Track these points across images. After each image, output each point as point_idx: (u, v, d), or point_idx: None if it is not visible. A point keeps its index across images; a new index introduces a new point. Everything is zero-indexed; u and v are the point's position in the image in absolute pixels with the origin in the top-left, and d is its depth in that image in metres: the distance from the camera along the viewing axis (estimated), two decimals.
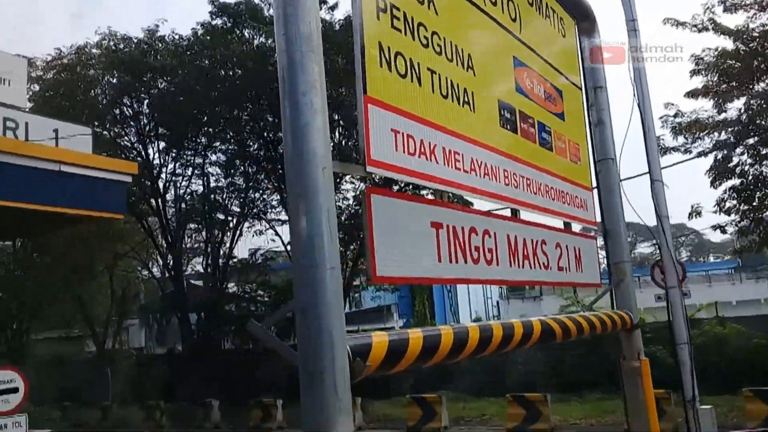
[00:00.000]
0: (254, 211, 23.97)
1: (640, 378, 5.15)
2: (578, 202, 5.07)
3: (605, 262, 6.01)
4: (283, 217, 22.92)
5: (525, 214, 4.18)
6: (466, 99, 3.62)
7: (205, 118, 22.97)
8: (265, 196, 23.98)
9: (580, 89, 5.56)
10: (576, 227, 5.06)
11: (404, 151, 3.02)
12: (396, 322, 31.30)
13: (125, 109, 22.30)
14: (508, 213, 4.04)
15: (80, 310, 27.97)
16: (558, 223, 4.72)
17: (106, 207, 14.28)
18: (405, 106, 3.07)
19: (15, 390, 9.21)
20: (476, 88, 3.74)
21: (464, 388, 20.21)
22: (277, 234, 23.02)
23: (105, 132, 21.50)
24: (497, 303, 48.96)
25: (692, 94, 17.26)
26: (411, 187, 20.76)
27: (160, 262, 25.65)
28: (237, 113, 21.67)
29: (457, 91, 3.54)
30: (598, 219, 5.41)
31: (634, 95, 6.06)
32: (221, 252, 23.95)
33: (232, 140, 23.51)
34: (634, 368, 5.19)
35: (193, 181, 24.02)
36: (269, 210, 23.30)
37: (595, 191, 5.58)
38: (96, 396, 23.05)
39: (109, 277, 26.28)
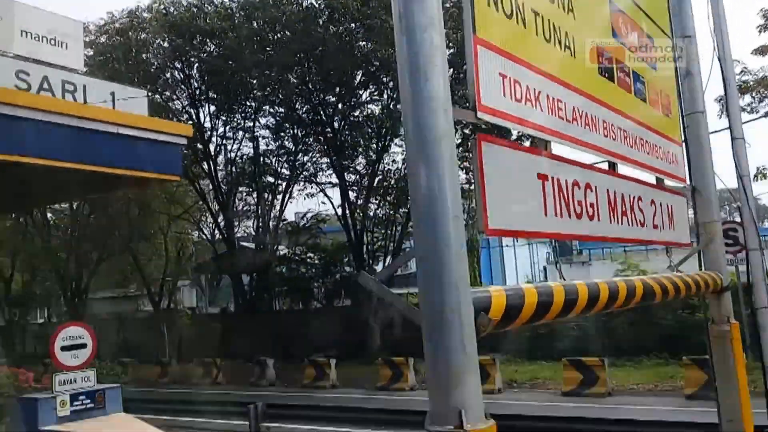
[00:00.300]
0: (303, 174, 24.00)
1: (729, 343, 4.92)
2: (670, 157, 4.80)
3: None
4: (334, 179, 22.93)
5: (620, 168, 3.96)
6: (567, 43, 3.39)
7: (255, 81, 22.98)
8: (314, 159, 23.98)
9: (670, 38, 5.23)
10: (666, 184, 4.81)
11: (511, 97, 2.83)
12: None
13: (176, 72, 22.44)
14: (605, 166, 3.83)
15: (136, 270, 28.76)
16: (650, 178, 4.48)
17: (163, 169, 14.44)
18: (511, 48, 2.87)
19: (84, 346, 9.48)
20: (576, 32, 3.50)
21: (515, 352, 20.13)
22: (327, 197, 23.02)
23: (156, 96, 21.69)
24: (544, 268, 48.41)
25: (760, 51, 16.42)
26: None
27: (212, 225, 26.07)
28: (285, 76, 21.55)
29: (558, 34, 3.31)
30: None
31: (714, 48, 5.68)
32: (272, 214, 24.14)
33: (280, 103, 23.48)
34: (723, 332, 4.96)
35: (243, 144, 24.14)
36: (320, 172, 23.26)
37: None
38: (153, 353, 23.78)
39: (163, 238, 26.84)
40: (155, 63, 21.47)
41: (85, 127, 12.35)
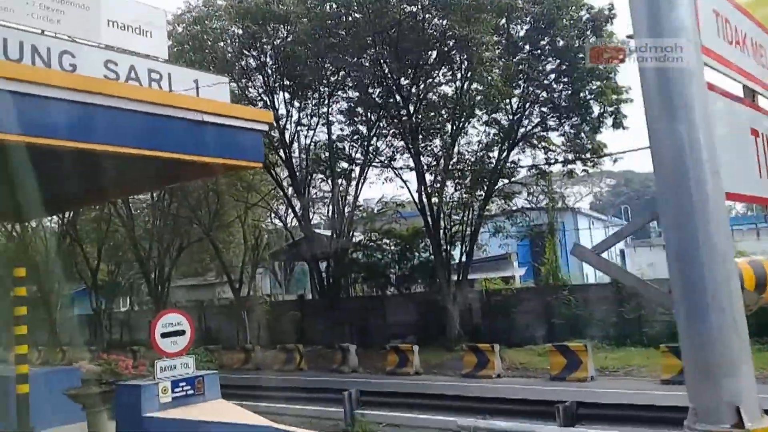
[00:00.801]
0: (378, 158, 23.76)
1: None
2: None
3: None
4: (409, 163, 22.58)
5: None
6: None
7: (328, 66, 22.84)
8: (389, 143, 23.69)
9: None
10: None
11: (724, 38, 2.39)
12: (516, 271, 30.42)
13: (250, 60, 22.54)
14: None
15: (216, 258, 29.33)
16: None
17: (245, 156, 14.35)
18: None
19: (182, 332, 9.50)
20: None
21: (600, 338, 19.41)
22: (404, 181, 22.66)
23: (233, 83, 21.82)
24: (621, 252, 46.72)
25: None
26: None
27: (288, 212, 26.22)
28: (358, 59, 21.27)
29: None
30: None
31: None
32: (347, 200, 24.04)
33: (354, 87, 23.28)
34: None
35: (317, 130, 24.09)
36: (396, 156, 22.93)
37: None
38: (235, 340, 24.18)
39: (241, 226, 27.20)
40: (231, 51, 21.59)
41: (172, 115, 12.51)
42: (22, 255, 33.66)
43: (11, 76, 10.16)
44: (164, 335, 9.37)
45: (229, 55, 21.52)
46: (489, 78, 17.94)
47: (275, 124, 22.42)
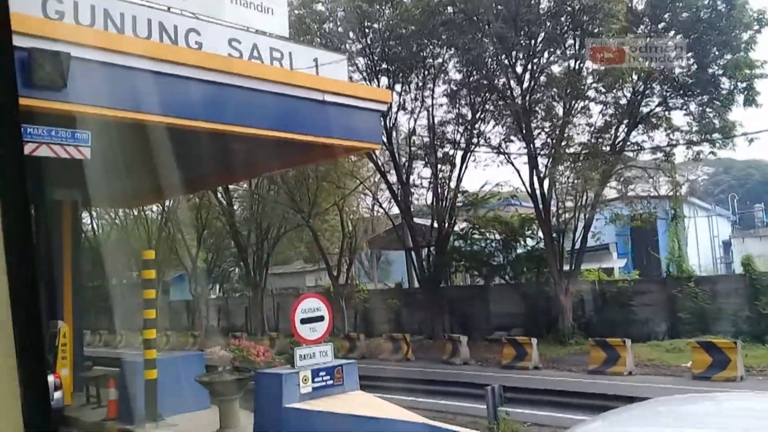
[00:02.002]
0: (483, 143, 22.83)
1: None
2: None
3: None
4: (514, 148, 21.50)
5: None
6: None
7: (431, 47, 22.09)
8: (494, 127, 22.71)
9: None
10: None
11: None
12: (615, 262, 28.81)
13: (353, 44, 22.06)
14: None
15: (311, 245, 29.24)
16: None
17: (364, 137, 13.90)
18: None
19: (321, 318, 9.02)
20: None
21: (734, 334, 17.87)
22: (514, 167, 21.58)
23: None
24: (725, 243, 43.80)
25: None
26: None
27: (388, 198, 25.69)
28: (461, 41, 20.35)
29: None
30: None
31: None
32: (450, 186, 23.24)
33: (458, 69, 22.46)
34: None
35: (419, 114, 23.36)
36: (506, 140, 21.89)
37: None
38: (339, 328, 23.88)
39: (339, 212, 26.92)
40: (338, 32, 21.17)
41: (294, 94, 12.06)
42: (125, 241, 34.85)
43: (152, 55, 9.92)
44: (303, 321, 8.91)
45: (336, 37, 21.07)
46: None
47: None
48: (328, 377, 8.73)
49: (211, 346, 10.97)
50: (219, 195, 28.49)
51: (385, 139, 22.95)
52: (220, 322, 33.96)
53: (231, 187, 27.78)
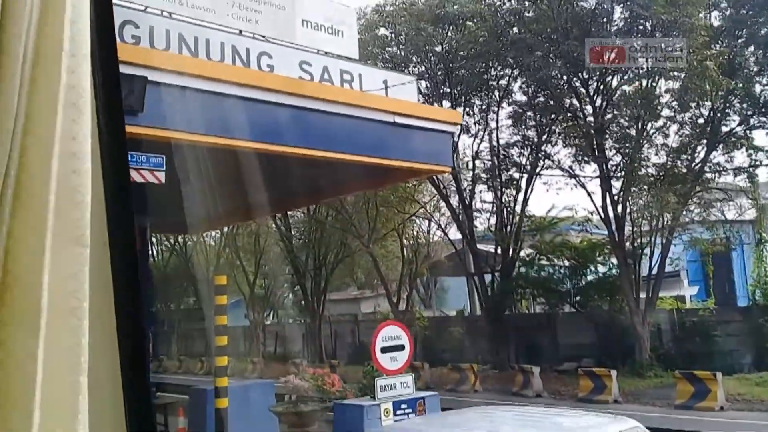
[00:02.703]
0: (549, 165, 22.14)
1: None
2: None
3: None
4: (588, 172, 20.67)
5: None
6: None
7: (494, 69, 21.70)
8: (560, 150, 22.02)
9: None
10: None
11: None
12: (686, 289, 27.35)
13: (415, 67, 21.83)
14: None
15: (370, 271, 28.85)
16: None
17: (435, 159, 13.48)
18: None
19: (401, 347, 8.57)
20: None
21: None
22: (585, 190, 20.72)
23: None
24: None
25: None
26: None
27: (450, 223, 25.18)
28: (526, 60, 19.84)
29: None
30: None
31: None
32: (515, 210, 22.57)
33: (523, 91, 21.95)
34: None
35: (484, 136, 22.86)
36: (578, 165, 21.09)
37: None
38: None
39: (398, 237, 26.52)
40: (401, 55, 21.00)
41: (365, 116, 11.78)
42: (184, 267, 35.23)
43: (239, 81, 9.78)
44: (384, 350, 8.46)
45: (399, 61, 20.91)
46: (699, 68, 15.82)
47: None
48: (410, 410, 8.24)
49: (271, 372, 10.60)
50: (278, 220, 28.50)
51: None
52: (278, 349, 33.74)
53: (289, 212, 27.74)
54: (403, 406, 8.17)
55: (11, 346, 0.84)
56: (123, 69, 7.92)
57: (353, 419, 7.92)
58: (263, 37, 11.63)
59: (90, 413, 0.88)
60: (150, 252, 19.79)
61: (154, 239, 34.48)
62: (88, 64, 0.96)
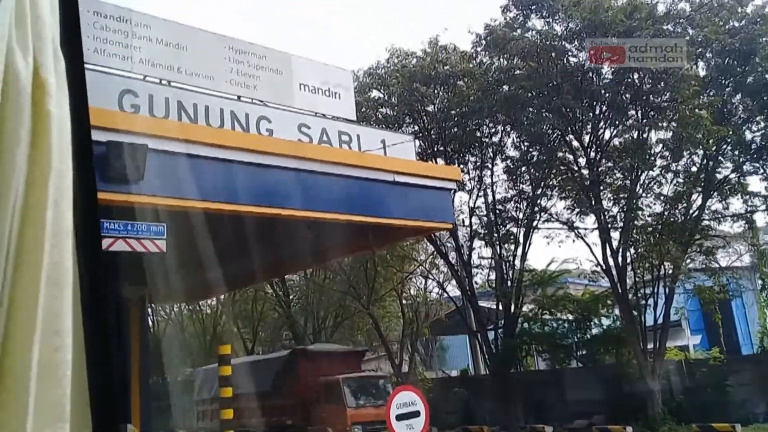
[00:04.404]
0: (546, 219, 22.11)
1: None
2: None
3: None
4: (587, 224, 20.66)
5: None
6: None
7: (486, 126, 21.96)
8: (555, 203, 22.06)
9: None
10: None
11: None
12: (689, 339, 26.98)
13: (408, 126, 22.05)
14: None
15: (371, 332, 28.37)
16: None
17: (436, 216, 13.38)
18: None
19: (417, 414, 8.22)
20: None
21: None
22: (585, 242, 20.65)
23: None
24: None
25: None
26: None
27: (448, 280, 24.93)
28: (518, 116, 20.08)
29: None
30: None
31: None
32: (514, 265, 22.39)
33: (515, 146, 22.17)
34: None
35: (479, 193, 22.89)
36: (576, 217, 21.04)
37: None
38: None
39: (398, 297, 26.20)
40: (394, 116, 21.24)
41: (365, 176, 11.73)
42: (179, 336, 34.53)
43: (239, 145, 9.72)
44: (399, 417, 8.11)
45: (391, 122, 21.12)
46: (693, 118, 16.00)
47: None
48: None
49: None
50: (275, 285, 28.17)
51: None
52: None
53: (286, 276, 27.44)
54: None
55: None
56: (123, 138, 7.76)
57: None
58: (261, 101, 11.71)
59: None
60: (147, 324, 19.24)
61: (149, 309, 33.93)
62: (71, 241, 0.99)
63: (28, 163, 0.93)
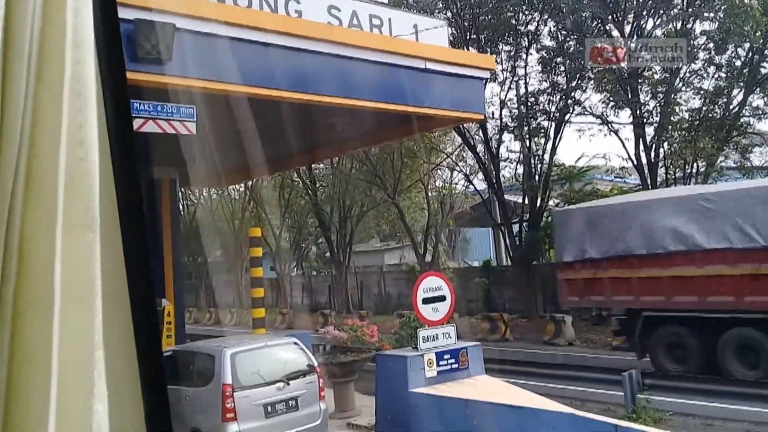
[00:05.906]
0: (580, 112, 21.59)
1: None
2: None
3: None
4: (623, 119, 20.12)
5: None
6: None
7: (522, 14, 21.04)
8: (590, 96, 21.45)
9: None
10: None
11: None
12: None
13: (441, 13, 21.21)
14: None
15: (395, 222, 28.75)
16: None
17: (467, 106, 13.10)
18: None
19: (443, 298, 8.46)
20: None
21: None
22: (618, 136, 20.17)
23: None
24: None
25: None
26: None
27: (476, 172, 24.85)
28: (557, 3, 19.13)
29: None
30: None
31: None
32: (543, 159, 22.14)
33: (551, 37, 21.31)
34: None
35: (510, 85, 22.28)
36: (611, 111, 20.48)
37: None
38: None
39: (423, 188, 26.30)
40: (426, 1, 20.40)
41: (395, 63, 11.41)
42: (209, 221, 35.41)
43: (265, 27, 9.45)
44: (425, 301, 8.35)
45: (423, 8, 20.30)
46: (742, 8, 15.09)
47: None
48: (453, 360, 8.17)
49: (300, 323, 10.62)
50: (302, 173, 28.36)
51: None
52: (304, 300, 34.06)
53: (313, 165, 27.55)
54: (446, 356, 8.09)
55: (29, 332, 0.88)
56: (149, 16, 7.56)
57: (397, 370, 7.86)
58: None
59: (108, 389, 0.91)
60: (178, 205, 19.61)
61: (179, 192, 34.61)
62: (92, 53, 0.98)
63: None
